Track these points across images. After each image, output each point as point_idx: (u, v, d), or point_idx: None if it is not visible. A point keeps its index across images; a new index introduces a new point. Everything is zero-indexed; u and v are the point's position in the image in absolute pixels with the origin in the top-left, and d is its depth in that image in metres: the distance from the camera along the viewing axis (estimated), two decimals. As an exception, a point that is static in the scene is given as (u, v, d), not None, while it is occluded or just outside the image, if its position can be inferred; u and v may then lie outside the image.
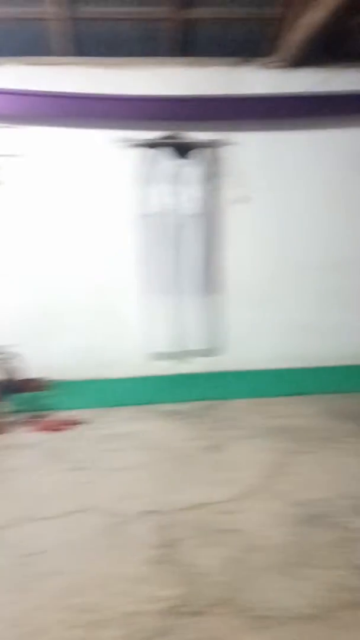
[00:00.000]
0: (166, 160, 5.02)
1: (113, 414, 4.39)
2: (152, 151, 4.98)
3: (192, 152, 5.02)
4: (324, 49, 4.87)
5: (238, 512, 2.73)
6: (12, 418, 4.17)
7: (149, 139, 4.95)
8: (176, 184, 5.06)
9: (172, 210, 5.09)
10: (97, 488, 3.08)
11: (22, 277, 5.15)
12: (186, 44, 4.96)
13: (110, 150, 4.95)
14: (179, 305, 5.25)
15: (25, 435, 3.98)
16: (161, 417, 4.25)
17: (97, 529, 2.63)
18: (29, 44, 4.83)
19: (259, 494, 2.94)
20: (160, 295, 5.20)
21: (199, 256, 5.22)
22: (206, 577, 2.22)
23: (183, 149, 4.99)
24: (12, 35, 4.78)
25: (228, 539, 2.49)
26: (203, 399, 4.61)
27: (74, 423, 4.15)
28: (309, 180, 5.29)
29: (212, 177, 5.12)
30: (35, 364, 4.78)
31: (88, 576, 2.25)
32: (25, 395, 4.63)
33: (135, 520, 2.69)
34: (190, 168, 5.05)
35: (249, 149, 5.13)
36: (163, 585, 2.18)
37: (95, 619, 2.00)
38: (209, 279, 5.27)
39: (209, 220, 5.17)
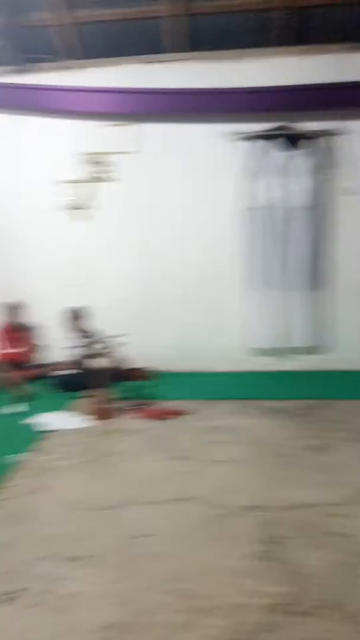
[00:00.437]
0: (276, 152, 4.92)
1: (214, 406, 4.40)
2: (262, 143, 4.91)
3: (303, 143, 4.88)
4: None
5: (346, 516, 2.62)
6: (118, 404, 4.33)
7: (259, 131, 4.89)
8: (286, 176, 4.95)
9: (281, 202, 4.99)
10: (199, 478, 3.11)
11: (130, 270, 5.34)
12: (300, 32, 4.82)
13: (220, 143, 4.95)
14: (284, 300, 5.15)
15: (130, 422, 4.12)
16: (263, 414, 4.18)
17: (201, 518, 2.66)
18: (143, 42, 4.96)
19: (369, 499, 2.81)
20: (265, 290, 5.13)
21: (307, 250, 5.07)
22: (312, 578, 2.16)
23: (294, 140, 4.86)
24: (127, 35, 4.94)
25: (336, 543, 2.40)
26: (306, 398, 4.47)
27: (176, 413, 4.22)
28: None
29: (323, 168, 4.94)
30: (140, 354, 4.93)
31: (192, 563, 2.29)
32: (130, 383, 4.80)
33: (238, 513, 2.68)
34: (301, 159, 4.92)
35: (363, 138, 4.88)
36: (268, 582, 2.16)
37: (199, 606, 2.03)
38: (317, 273, 5.11)
39: (319, 213, 5.00)
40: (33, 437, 3.77)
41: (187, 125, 5.02)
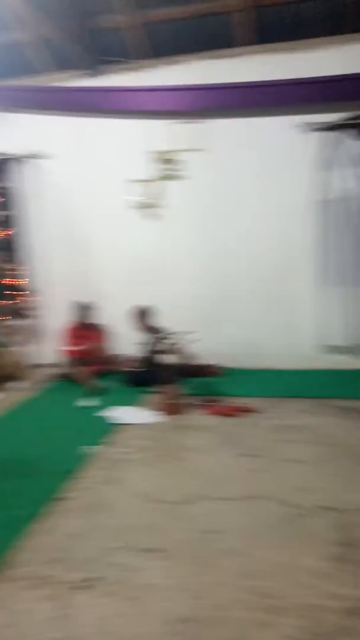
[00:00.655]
0: (350, 142, 4.75)
1: (284, 404, 4.32)
2: (336, 133, 4.76)
3: (379, 132, 4.69)
4: None
5: None
6: (187, 401, 4.35)
7: (333, 121, 4.73)
8: (360, 167, 4.77)
9: (356, 194, 4.82)
10: (271, 477, 3.06)
11: (200, 267, 5.36)
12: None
13: (292, 136, 4.84)
14: (358, 295, 4.97)
15: (199, 418, 4.13)
16: (336, 413, 4.06)
17: (273, 517, 2.62)
18: (212, 38, 4.95)
19: None
20: (338, 285, 4.98)
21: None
22: (392, 584, 2.07)
23: (369, 129, 4.68)
24: (196, 32, 4.95)
25: None
26: (382, 397, 4.30)
27: (246, 410, 4.18)
28: None
29: None
30: (209, 350, 4.93)
31: (266, 562, 2.26)
32: (199, 380, 4.81)
33: (312, 514, 2.62)
34: (377, 149, 4.73)
35: None
36: (345, 584, 2.09)
37: (273, 605, 2.00)
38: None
39: None
40: (106, 430, 3.87)
41: (257, 120, 4.94)
